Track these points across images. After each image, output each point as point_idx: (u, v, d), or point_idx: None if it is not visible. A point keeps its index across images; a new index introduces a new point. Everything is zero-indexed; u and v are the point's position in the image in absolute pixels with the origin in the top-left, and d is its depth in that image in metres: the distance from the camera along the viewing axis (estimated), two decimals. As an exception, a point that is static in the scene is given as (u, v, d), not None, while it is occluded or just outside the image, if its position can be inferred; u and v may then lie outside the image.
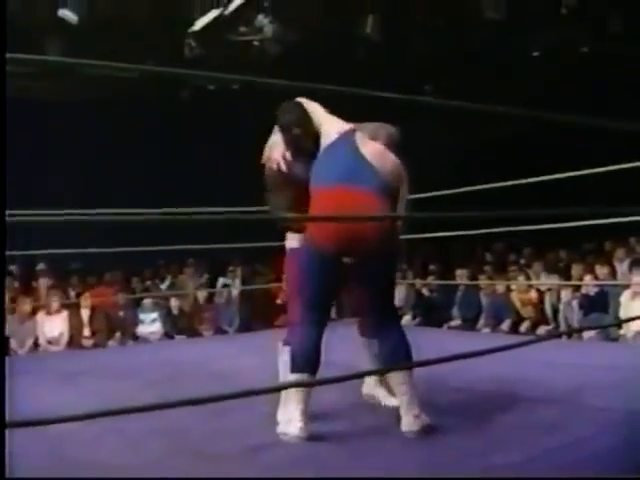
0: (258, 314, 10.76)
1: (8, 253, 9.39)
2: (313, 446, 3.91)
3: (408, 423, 4.05)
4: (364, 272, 4.14)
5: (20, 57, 2.10)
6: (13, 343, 9.81)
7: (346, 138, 4.36)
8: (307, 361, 4.13)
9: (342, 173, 4.19)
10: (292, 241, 4.59)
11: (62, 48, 10.01)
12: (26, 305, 9.92)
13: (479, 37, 10.99)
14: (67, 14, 9.45)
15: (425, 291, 10.99)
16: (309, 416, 4.11)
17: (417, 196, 8.22)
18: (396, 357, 4.15)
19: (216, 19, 9.75)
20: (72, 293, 10.73)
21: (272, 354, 4.55)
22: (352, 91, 3.07)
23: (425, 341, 5.11)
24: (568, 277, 9.52)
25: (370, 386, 4.93)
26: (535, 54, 11.68)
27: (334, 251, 4.08)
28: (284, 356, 4.35)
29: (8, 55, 2.03)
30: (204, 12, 9.68)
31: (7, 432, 2.23)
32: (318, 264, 4.17)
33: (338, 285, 4.37)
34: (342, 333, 4.88)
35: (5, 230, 2.20)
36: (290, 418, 4.08)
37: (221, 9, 9.67)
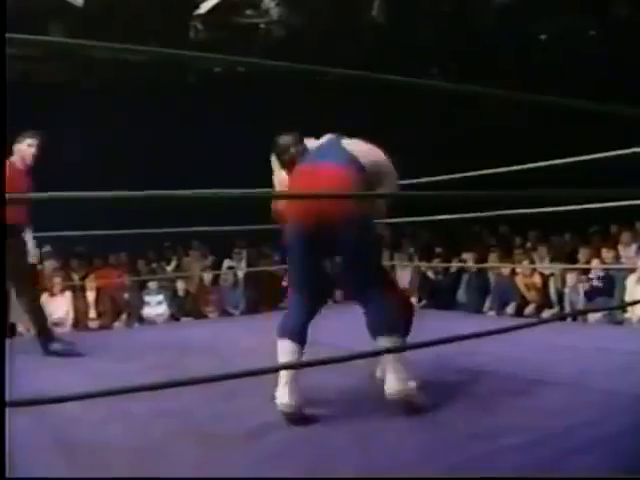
0: (264, 296, 10.77)
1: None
2: (316, 428, 3.92)
3: (391, 386, 4.09)
4: (339, 247, 4.20)
5: (24, 38, 2.10)
6: (20, 327, 9.86)
7: (331, 139, 4.49)
8: (292, 329, 4.21)
9: (317, 156, 4.35)
10: None
11: (67, 31, 10.01)
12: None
13: (486, 20, 10.96)
14: (72, -4, 9.45)
15: (431, 274, 10.99)
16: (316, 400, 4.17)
17: (422, 180, 8.34)
18: (376, 327, 4.18)
19: (222, 2, 9.73)
20: (77, 275, 10.75)
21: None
22: (356, 74, 3.07)
23: (431, 323, 5.12)
24: (573, 261, 9.51)
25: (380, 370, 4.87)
26: (542, 37, 11.65)
27: (308, 228, 4.15)
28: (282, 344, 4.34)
29: (15, 36, 2.03)
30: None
31: (10, 414, 2.24)
32: (297, 242, 4.26)
33: (319, 262, 4.39)
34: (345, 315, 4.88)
35: (5, 227, 2.21)
36: (280, 387, 4.12)
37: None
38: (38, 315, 6.80)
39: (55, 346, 6.56)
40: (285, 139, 4.57)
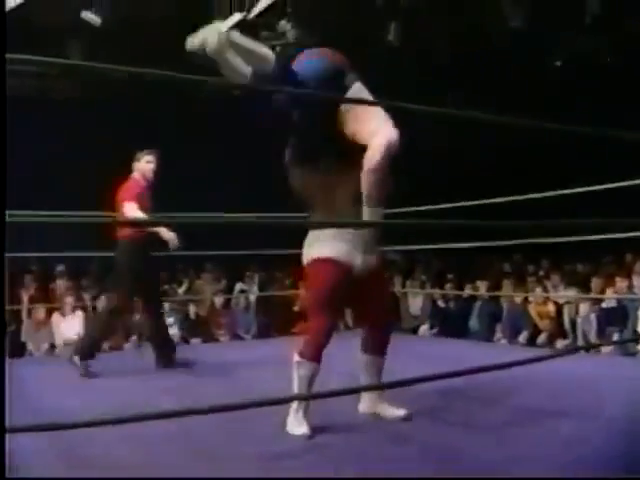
0: (275, 321, 10.74)
1: (25, 254, 9.43)
2: (323, 454, 3.90)
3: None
4: None
5: (21, 57, 2.09)
6: (30, 345, 9.87)
7: None
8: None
9: None
10: (317, 249, 4.57)
11: (84, 50, 10.07)
12: (41, 311, 9.99)
13: (501, 46, 10.97)
14: (90, 16, 9.50)
15: (442, 302, 10.92)
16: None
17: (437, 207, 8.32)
18: None
19: (238, 23, 9.76)
20: (88, 295, 10.73)
21: (287, 362, 4.53)
22: (370, 102, 3.06)
23: (443, 351, 5.09)
24: (587, 290, 9.45)
25: (368, 403, 4.78)
26: (557, 64, 11.65)
27: None
28: (300, 370, 4.36)
29: (14, 56, 2.03)
30: (226, 16, 9.70)
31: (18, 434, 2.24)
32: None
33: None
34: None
35: (4, 230, 2.21)
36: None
37: (244, 13, 9.69)
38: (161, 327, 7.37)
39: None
40: None
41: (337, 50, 4.68)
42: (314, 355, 4.38)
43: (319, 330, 4.44)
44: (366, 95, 4.29)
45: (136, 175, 7.12)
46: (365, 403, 4.74)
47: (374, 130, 4.18)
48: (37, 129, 11.37)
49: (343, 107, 4.29)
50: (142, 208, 6.68)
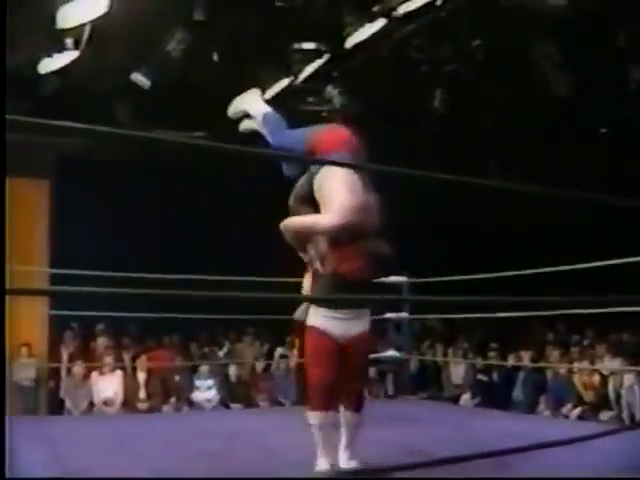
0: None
1: (68, 313, 9.47)
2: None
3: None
4: None
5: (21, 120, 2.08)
6: (68, 403, 9.88)
7: None
8: None
9: None
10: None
11: (134, 112, 10.18)
12: (80, 368, 10.01)
13: (545, 113, 10.92)
14: (140, 79, 9.62)
15: (483, 373, 10.71)
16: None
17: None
18: None
19: (286, 88, 9.85)
20: (127, 356, 10.72)
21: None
22: (417, 174, 3.01)
23: (487, 424, 4.97)
24: (633, 360, 9.25)
25: None
26: (603, 131, 11.57)
27: None
28: (312, 422, 4.60)
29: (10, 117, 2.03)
30: (275, 81, 9.78)
31: None
32: None
33: None
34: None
35: (5, 235, 2.20)
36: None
37: (292, 78, 9.77)
38: None
39: None
40: None
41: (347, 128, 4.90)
42: (321, 404, 4.54)
43: (317, 380, 4.58)
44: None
45: None
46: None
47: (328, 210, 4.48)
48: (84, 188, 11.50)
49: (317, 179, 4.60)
50: None
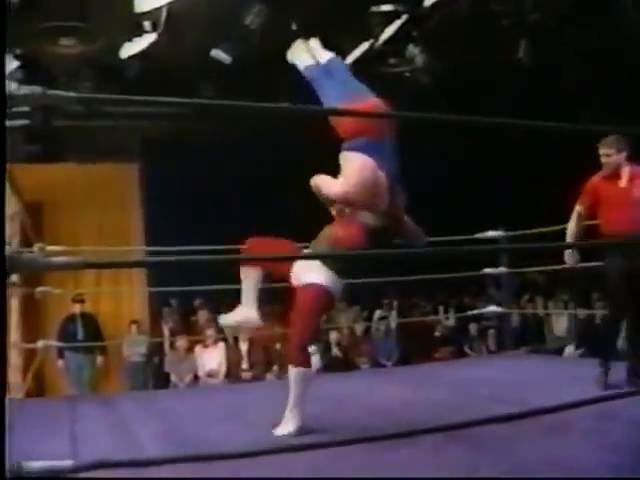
0: (416, 347, 10.65)
1: (167, 289, 9.63)
2: None
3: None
4: None
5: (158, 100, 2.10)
6: (173, 377, 10.08)
7: None
8: None
9: None
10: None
11: (217, 88, 10.24)
12: (183, 342, 10.20)
13: (636, 60, 10.61)
14: (220, 55, 9.66)
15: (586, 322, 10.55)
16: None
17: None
18: None
19: (367, 52, 9.78)
20: (228, 327, 10.87)
21: (430, 388, 4.45)
22: (499, 121, 2.98)
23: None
24: None
25: None
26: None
27: None
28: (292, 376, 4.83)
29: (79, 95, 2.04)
30: (356, 45, 9.72)
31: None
32: None
33: None
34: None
35: (4, 230, 2.23)
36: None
37: (372, 41, 9.69)
38: None
39: None
40: None
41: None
42: (307, 360, 4.85)
43: (310, 334, 4.92)
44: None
45: None
46: None
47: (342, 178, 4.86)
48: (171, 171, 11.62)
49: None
50: None
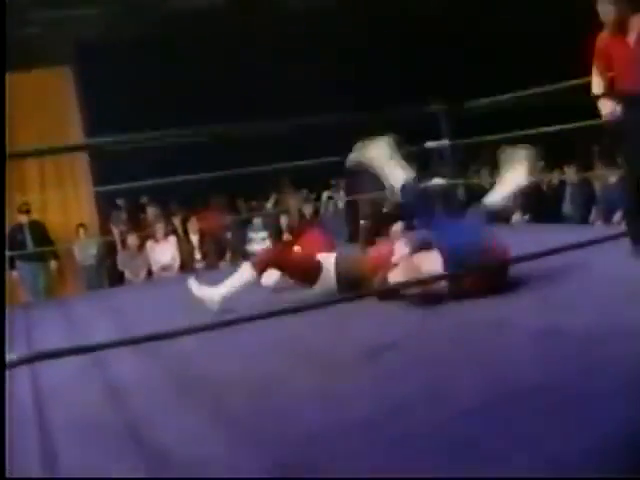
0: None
1: (115, 187, 9.55)
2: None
3: None
4: None
5: None
6: (127, 274, 10.12)
7: None
8: None
9: None
10: None
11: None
12: (133, 239, 10.20)
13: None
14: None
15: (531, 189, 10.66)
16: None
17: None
18: None
19: None
20: (177, 221, 10.84)
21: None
22: None
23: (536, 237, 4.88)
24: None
25: None
26: None
27: None
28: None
29: None
30: None
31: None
32: None
33: None
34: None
35: (4, 226, 2.22)
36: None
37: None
38: None
39: None
40: None
41: None
42: (257, 267, 5.23)
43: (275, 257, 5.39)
44: None
45: None
46: None
47: None
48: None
49: None
50: None
